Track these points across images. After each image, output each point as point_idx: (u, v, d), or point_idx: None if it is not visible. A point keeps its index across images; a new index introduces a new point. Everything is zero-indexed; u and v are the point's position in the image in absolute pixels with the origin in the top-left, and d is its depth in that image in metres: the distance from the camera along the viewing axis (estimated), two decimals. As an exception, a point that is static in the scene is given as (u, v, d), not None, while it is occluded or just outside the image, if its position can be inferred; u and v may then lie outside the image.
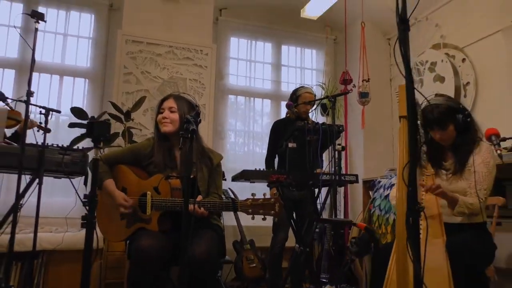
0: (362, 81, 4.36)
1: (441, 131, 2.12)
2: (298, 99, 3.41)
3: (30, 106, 2.33)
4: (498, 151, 2.02)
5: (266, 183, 3.41)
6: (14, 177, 2.44)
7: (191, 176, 2.15)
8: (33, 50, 2.34)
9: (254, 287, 3.98)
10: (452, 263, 1.83)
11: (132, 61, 4.00)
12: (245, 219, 4.34)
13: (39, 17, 2.27)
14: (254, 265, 4.03)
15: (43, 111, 2.66)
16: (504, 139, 2.05)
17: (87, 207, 1.72)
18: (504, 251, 2.90)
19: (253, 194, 1.81)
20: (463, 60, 3.84)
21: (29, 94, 2.26)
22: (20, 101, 2.58)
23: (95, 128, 1.79)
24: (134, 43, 4.02)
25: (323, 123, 2.93)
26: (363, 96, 4.25)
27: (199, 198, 1.97)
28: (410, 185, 1.28)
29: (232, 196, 4.18)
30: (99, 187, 2.14)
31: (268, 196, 1.78)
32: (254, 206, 1.77)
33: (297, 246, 2.77)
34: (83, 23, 4.33)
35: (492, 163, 2.03)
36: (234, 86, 4.81)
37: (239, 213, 4.24)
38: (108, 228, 2.14)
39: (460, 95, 3.81)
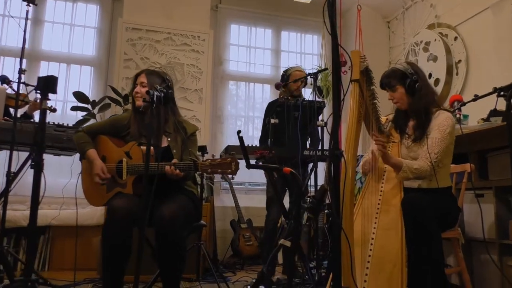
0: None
1: (391, 92, 2.21)
2: (289, 78, 3.49)
3: (22, 86, 2.51)
4: (458, 115, 2.06)
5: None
6: (16, 153, 2.62)
7: (166, 145, 2.30)
8: (24, 32, 2.51)
9: (251, 264, 4.12)
10: (404, 221, 1.90)
11: (132, 47, 4.19)
12: (244, 200, 4.50)
13: (30, 0, 2.45)
14: (251, 243, 4.17)
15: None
16: (464, 104, 2.08)
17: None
18: (486, 222, 2.91)
19: (212, 155, 1.94)
20: (455, 38, 3.84)
21: (21, 71, 2.44)
22: (22, 83, 2.75)
23: (43, 82, 1.95)
24: (134, 30, 4.20)
25: (304, 99, 3.03)
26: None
27: (174, 161, 2.11)
28: (332, 133, 1.37)
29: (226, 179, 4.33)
30: (82, 157, 2.32)
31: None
32: (213, 166, 1.89)
33: (283, 220, 2.87)
34: (89, 14, 4.56)
35: (449, 131, 2.07)
36: (234, 72, 4.94)
37: (238, 195, 4.43)
38: (92, 194, 2.30)
39: (452, 73, 3.81)
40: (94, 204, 2.30)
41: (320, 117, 3.25)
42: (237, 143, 2.00)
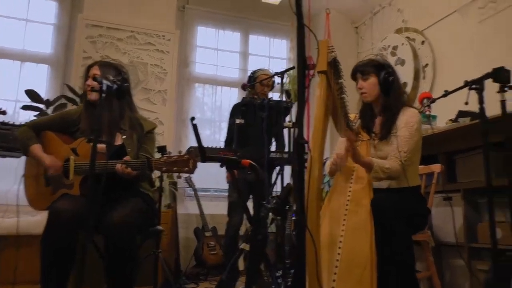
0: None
1: (362, 80, 2.12)
2: (256, 81, 3.37)
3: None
4: (428, 112, 1.99)
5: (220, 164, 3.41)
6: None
7: (120, 143, 2.12)
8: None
9: (216, 274, 3.92)
10: (374, 223, 1.79)
11: (92, 45, 3.97)
12: (209, 207, 4.31)
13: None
14: (216, 251, 3.97)
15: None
16: (434, 101, 2.02)
17: None
18: (456, 225, 2.86)
19: (168, 152, 1.77)
20: (423, 42, 3.84)
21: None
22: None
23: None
24: (95, 27, 3.99)
25: (270, 99, 2.91)
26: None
27: (127, 158, 1.92)
28: (297, 123, 1.24)
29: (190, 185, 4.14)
30: (25, 153, 2.10)
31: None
32: (168, 164, 1.72)
33: (249, 226, 2.72)
34: (47, 9, 4.31)
35: (416, 127, 1.99)
36: (201, 74, 4.78)
37: (202, 201, 4.24)
38: (34, 196, 2.09)
39: (419, 77, 3.80)
40: (38, 208, 2.08)
41: (287, 118, 3.13)
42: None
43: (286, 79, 4.77)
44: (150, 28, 4.14)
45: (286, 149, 3.14)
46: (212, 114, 4.81)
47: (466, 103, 1.66)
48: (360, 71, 2.16)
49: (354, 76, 2.22)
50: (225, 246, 3.46)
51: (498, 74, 1.52)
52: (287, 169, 3.87)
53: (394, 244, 1.74)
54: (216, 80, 4.85)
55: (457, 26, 3.47)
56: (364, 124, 2.22)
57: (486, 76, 1.60)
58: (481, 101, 1.61)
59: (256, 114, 2.88)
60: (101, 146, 2.01)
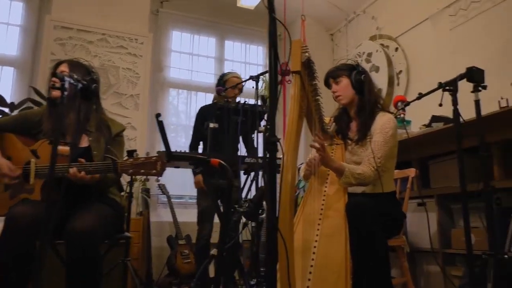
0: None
1: (335, 84, 2.10)
2: (226, 84, 3.31)
3: None
4: (402, 115, 1.97)
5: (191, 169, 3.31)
6: None
7: (86, 145, 2.01)
8: None
9: (188, 283, 3.81)
10: (348, 227, 1.75)
11: (60, 47, 3.83)
12: (183, 215, 4.20)
13: None
14: (189, 260, 3.86)
15: None
16: (408, 104, 2.01)
17: None
18: (430, 231, 2.85)
19: (136, 154, 1.68)
20: (396, 49, 3.88)
21: None
22: None
23: None
24: (64, 29, 3.85)
25: (245, 103, 2.85)
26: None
27: (81, 161, 1.82)
28: (269, 121, 1.19)
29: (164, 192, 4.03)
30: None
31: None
32: (135, 166, 1.63)
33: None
34: (14, 10, 4.15)
35: (391, 133, 1.96)
36: (175, 79, 4.69)
37: (177, 209, 4.13)
38: (-9, 202, 1.95)
39: (393, 83, 3.83)
40: (-4, 214, 1.95)
41: (262, 123, 3.07)
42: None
43: (261, 85, 4.77)
44: (122, 31, 4.03)
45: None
46: (186, 120, 4.72)
47: (440, 105, 1.64)
48: (332, 76, 2.14)
49: (327, 83, 2.19)
50: (196, 256, 3.36)
51: (472, 74, 1.51)
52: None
53: (370, 249, 1.69)
54: (191, 86, 4.76)
55: (430, 33, 3.52)
56: (339, 128, 2.19)
57: (460, 77, 1.59)
58: (455, 102, 1.59)
59: (231, 118, 2.81)
60: (65, 149, 1.91)
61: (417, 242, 2.96)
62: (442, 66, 3.33)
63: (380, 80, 3.86)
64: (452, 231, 2.71)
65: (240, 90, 3.35)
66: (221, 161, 1.20)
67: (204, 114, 3.28)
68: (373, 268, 1.68)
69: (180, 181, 4.35)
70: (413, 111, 3.61)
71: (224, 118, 2.82)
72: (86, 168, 1.75)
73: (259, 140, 3.08)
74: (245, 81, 3.09)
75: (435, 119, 2.61)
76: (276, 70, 1.22)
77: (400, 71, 3.80)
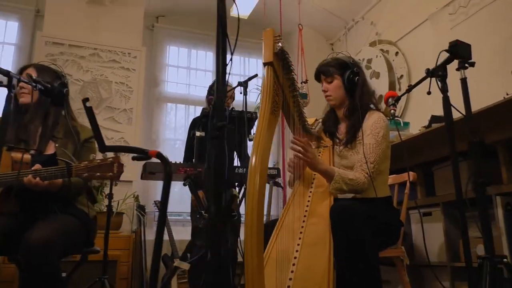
0: (301, 82, 4.21)
1: (326, 82, 1.94)
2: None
3: None
4: (392, 110, 1.79)
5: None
6: None
7: (53, 152, 1.89)
8: None
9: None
10: (332, 233, 1.55)
11: (52, 63, 3.77)
12: (181, 233, 4.03)
13: None
14: (185, 280, 3.66)
15: None
16: (399, 98, 1.83)
17: None
18: (435, 243, 2.62)
19: (92, 156, 1.54)
20: (396, 53, 3.72)
21: None
22: None
23: None
24: (55, 45, 3.81)
25: (232, 109, 2.71)
26: (301, 97, 4.07)
27: (37, 167, 1.68)
28: (217, 104, 1.03)
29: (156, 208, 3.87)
30: None
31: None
32: (90, 169, 1.49)
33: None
34: (9, 30, 4.15)
35: (382, 133, 1.78)
36: (172, 94, 4.60)
37: (173, 226, 3.97)
38: None
39: (395, 89, 3.65)
40: None
41: (253, 131, 2.92)
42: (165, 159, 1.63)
43: (259, 95, 4.63)
44: (114, 45, 3.97)
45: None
46: (184, 134, 4.58)
47: (429, 93, 1.47)
48: (323, 71, 1.98)
49: (318, 77, 2.04)
50: (192, 275, 3.17)
51: (456, 48, 1.34)
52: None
53: (357, 258, 1.49)
54: (188, 100, 4.66)
55: (429, 35, 3.35)
56: (327, 129, 2.01)
57: (448, 60, 1.42)
58: (444, 89, 1.41)
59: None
60: (26, 156, 1.78)
61: (424, 256, 2.72)
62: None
63: (381, 86, 3.69)
64: (460, 242, 2.46)
65: (232, 98, 3.23)
66: (160, 152, 1.05)
67: (194, 123, 3.15)
68: (364, 279, 1.47)
69: (178, 198, 4.20)
70: (412, 113, 3.45)
71: (210, 126, 2.68)
72: (41, 174, 1.61)
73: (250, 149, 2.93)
74: (234, 88, 2.97)
75: (434, 119, 2.42)
76: (224, 49, 1.07)
77: (401, 76, 3.62)
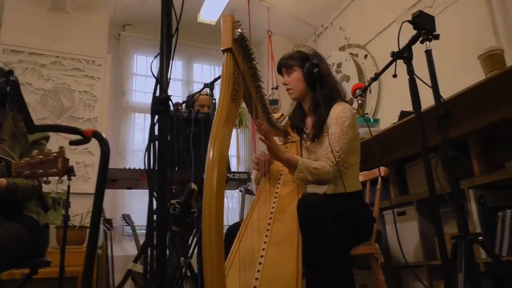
0: (272, 89, 4.16)
1: (287, 75, 1.89)
2: (194, 103, 3.05)
3: None
4: (360, 101, 1.73)
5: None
6: None
7: (-2, 156, 1.73)
8: None
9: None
10: (300, 228, 1.46)
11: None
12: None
13: None
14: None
15: None
16: (366, 88, 1.78)
17: None
18: (411, 243, 2.55)
19: (35, 152, 1.40)
20: (366, 56, 3.71)
21: None
22: None
23: None
24: (13, 52, 3.63)
25: (198, 111, 2.61)
26: (272, 103, 4.01)
27: None
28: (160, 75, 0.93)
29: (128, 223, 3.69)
30: None
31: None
32: (32, 166, 1.35)
33: (182, 259, 2.30)
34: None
35: (348, 123, 1.71)
36: (140, 103, 4.47)
37: (143, 241, 3.78)
38: None
39: (366, 91, 3.61)
40: None
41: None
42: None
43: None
44: (77, 52, 3.82)
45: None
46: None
47: (395, 76, 1.41)
48: (284, 64, 1.92)
49: (280, 71, 1.98)
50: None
51: (418, 20, 1.28)
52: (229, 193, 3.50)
53: (330, 253, 1.39)
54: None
55: (396, 36, 3.35)
56: (294, 124, 1.94)
57: (413, 40, 1.37)
58: (410, 70, 1.36)
59: (184, 129, 2.56)
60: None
61: (400, 256, 2.64)
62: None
63: (351, 89, 3.65)
64: (436, 240, 2.40)
65: (209, 107, 3.10)
66: (96, 130, 0.93)
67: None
68: (334, 276, 1.37)
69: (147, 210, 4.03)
70: (383, 110, 3.43)
71: (178, 129, 2.57)
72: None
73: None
74: (200, 90, 2.86)
75: (404, 114, 2.38)
76: (169, 19, 0.98)
77: (371, 78, 3.59)
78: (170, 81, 3.66)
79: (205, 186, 1.19)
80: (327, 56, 4.17)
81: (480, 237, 1.07)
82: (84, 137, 0.95)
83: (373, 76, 3.46)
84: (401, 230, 2.62)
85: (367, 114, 3.17)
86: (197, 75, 4.92)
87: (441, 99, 1.24)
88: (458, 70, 2.67)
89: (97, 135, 0.93)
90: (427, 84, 1.32)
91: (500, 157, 2.16)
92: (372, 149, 2.22)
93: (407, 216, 2.59)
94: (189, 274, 1.97)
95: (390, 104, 3.30)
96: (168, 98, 0.90)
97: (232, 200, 4.42)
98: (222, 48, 1.47)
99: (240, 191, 3.40)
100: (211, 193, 1.17)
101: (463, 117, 2.10)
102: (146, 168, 0.89)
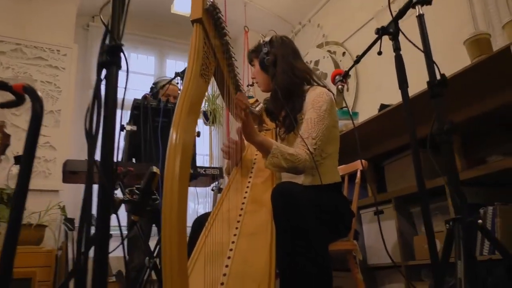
0: (247, 85, 4.02)
1: (253, 69, 1.84)
2: (159, 93, 2.85)
3: None
4: (340, 86, 1.62)
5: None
6: None
7: None
8: None
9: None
10: (274, 219, 1.32)
11: None
12: (117, 249, 3.63)
13: None
14: (119, 301, 3.26)
15: None
16: (347, 73, 1.67)
17: None
18: (388, 243, 2.45)
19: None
20: (344, 53, 3.64)
21: None
22: None
23: None
24: (-31, 38, 3.38)
25: (167, 101, 2.44)
26: (247, 99, 3.88)
27: None
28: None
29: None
30: None
31: None
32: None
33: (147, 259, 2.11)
34: None
35: (325, 107, 1.61)
36: (108, 98, 4.24)
37: (113, 242, 3.56)
38: None
39: (346, 76, 3.53)
40: None
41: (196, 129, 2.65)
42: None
43: (204, 103, 4.37)
44: (41, 41, 3.59)
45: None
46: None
47: (379, 53, 1.31)
48: (248, 59, 1.89)
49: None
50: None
51: None
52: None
53: (305, 245, 1.25)
54: (126, 105, 4.31)
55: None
56: (270, 109, 1.82)
57: (400, 13, 1.27)
58: (396, 47, 1.25)
59: (152, 119, 2.39)
60: None
61: (377, 257, 2.54)
62: (391, 65, 3.07)
63: (329, 87, 3.57)
64: (414, 239, 2.31)
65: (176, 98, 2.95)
66: (27, 85, 0.78)
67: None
68: (311, 270, 1.23)
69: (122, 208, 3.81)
70: (362, 104, 3.35)
71: (144, 119, 2.39)
72: None
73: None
74: (171, 80, 2.71)
75: (384, 107, 2.29)
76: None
77: (349, 75, 3.52)
78: (142, 76, 3.45)
79: (167, 172, 1.00)
80: (305, 54, 4.08)
81: (480, 221, 0.96)
82: (15, 94, 0.78)
83: (350, 74, 3.38)
84: (378, 231, 2.52)
85: (345, 107, 3.08)
86: (170, 71, 4.73)
87: (435, 64, 1.13)
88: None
89: (28, 90, 0.77)
90: (419, 49, 1.21)
91: (482, 153, 2.09)
92: (350, 143, 2.12)
93: (385, 215, 2.49)
94: (155, 276, 1.80)
95: (369, 98, 3.23)
96: (120, 47, 0.74)
97: (205, 200, 4.25)
98: (191, 19, 1.32)
99: (212, 190, 3.24)
100: (173, 181, 0.98)
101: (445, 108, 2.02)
102: (86, 134, 0.73)
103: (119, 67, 0.77)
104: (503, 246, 1.23)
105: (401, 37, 1.36)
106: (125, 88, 0.81)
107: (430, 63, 1.10)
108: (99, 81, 0.76)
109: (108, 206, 0.72)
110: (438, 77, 1.11)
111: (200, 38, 1.30)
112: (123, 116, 3.34)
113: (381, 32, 1.32)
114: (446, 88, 1.08)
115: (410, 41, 1.23)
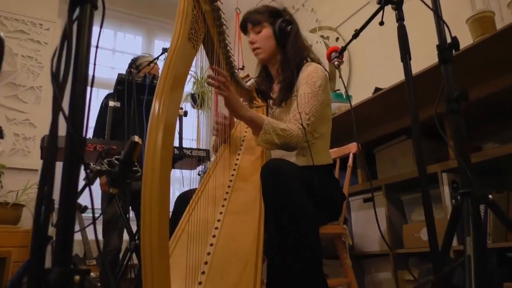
0: (237, 69, 3.92)
1: (254, 32, 1.67)
2: (138, 68, 2.71)
3: None
4: (336, 62, 1.54)
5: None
6: None
7: None
8: None
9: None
10: (263, 197, 1.24)
11: None
12: (99, 232, 3.53)
13: None
14: (100, 284, 3.17)
15: None
16: (344, 49, 1.59)
17: None
18: (377, 231, 2.40)
19: None
20: (337, 39, 3.56)
21: None
22: None
23: None
24: None
25: (154, 76, 2.34)
26: (237, 83, 3.79)
27: None
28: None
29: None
30: None
31: None
32: None
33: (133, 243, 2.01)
34: None
35: (320, 83, 1.53)
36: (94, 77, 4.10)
37: (91, 225, 3.46)
38: None
39: (335, 75, 3.46)
40: None
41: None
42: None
43: (191, 83, 4.25)
44: (22, 13, 3.43)
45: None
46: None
47: (381, 23, 1.23)
48: (251, 20, 1.70)
49: (245, 29, 1.75)
50: (101, 275, 2.72)
51: None
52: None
53: (301, 225, 1.18)
54: (112, 84, 4.17)
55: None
56: (260, 88, 1.73)
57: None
58: (400, 18, 1.18)
59: (136, 95, 2.28)
60: None
61: (364, 245, 2.50)
62: (386, 52, 3.00)
63: (326, 53, 3.50)
64: (403, 228, 2.26)
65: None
66: None
67: (108, 96, 2.73)
68: (302, 253, 1.16)
69: (95, 193, 3.69)
70: (355, 87, 3.29)
71: (128, 96, 2.29)
72: None
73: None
74: (159, 56, 2.61)
75: (378, 91, 2.22)
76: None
77: (352, 36, 3.45)
78: (128, 56, 3.27)
79: (148, 145, 0.91)
80: (297, 39, 4.00)
81: (490, 196, 0.89)
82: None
83: (344, 60, 3.31)
84: (368, 217, 2.47)
85: (338, 90, 3.00)
86: (159, 52, 4.59)
87: (445, 24, 1.06)
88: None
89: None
90: (429, 7, 1.13)
91: (478, 140, 2.04)
92: (342, 127, 2.05)
93: (375, 203, 2.44)
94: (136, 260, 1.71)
95: (363, 80, 3.17)
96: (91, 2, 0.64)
97: (190, 185, 4.15)
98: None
99: (198, 174, 3.15)
100: (155, 154, 0.88)
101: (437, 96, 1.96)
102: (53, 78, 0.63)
103: (95, 6, 0.68)
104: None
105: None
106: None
107: (440, 24, 1.03)
108: (70, 21, 0.66)
109: (75, 167, 0.62)
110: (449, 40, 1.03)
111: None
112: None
113: (383, 1, 1.22)
114: (458, 51, 1.00)
115: (423, 2, 1.14)
